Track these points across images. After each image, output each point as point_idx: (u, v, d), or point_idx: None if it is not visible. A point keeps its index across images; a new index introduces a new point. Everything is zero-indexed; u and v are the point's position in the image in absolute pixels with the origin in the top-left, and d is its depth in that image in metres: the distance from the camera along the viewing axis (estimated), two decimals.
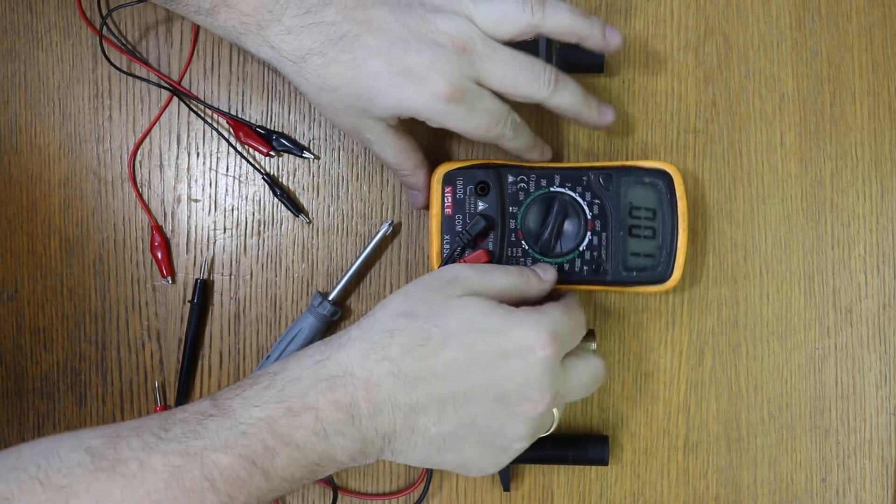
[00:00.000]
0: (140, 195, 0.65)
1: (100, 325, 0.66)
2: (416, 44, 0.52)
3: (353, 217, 0.65)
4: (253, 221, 0.65)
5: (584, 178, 0.58)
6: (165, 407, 0.65)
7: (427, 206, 0.61)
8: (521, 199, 0.58)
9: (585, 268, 0.58)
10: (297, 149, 0.64)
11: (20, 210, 0.66)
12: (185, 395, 0.65)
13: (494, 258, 0.58)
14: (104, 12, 0.64)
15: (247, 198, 0.65)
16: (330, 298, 0.63)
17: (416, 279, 0.53)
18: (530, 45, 0.60)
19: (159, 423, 0.47)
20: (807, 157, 0.63)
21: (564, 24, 0.55)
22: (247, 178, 0.65)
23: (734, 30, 0.64)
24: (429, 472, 0.63)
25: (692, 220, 0.63)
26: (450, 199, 0.58)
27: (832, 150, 0.63)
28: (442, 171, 0.59)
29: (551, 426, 0.54)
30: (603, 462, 0.62)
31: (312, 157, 0.65)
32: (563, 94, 0.56)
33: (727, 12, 0.64)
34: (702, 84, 0.64)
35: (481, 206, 0.58)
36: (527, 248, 0.58)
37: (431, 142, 0.63)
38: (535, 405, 0.50)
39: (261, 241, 0.65)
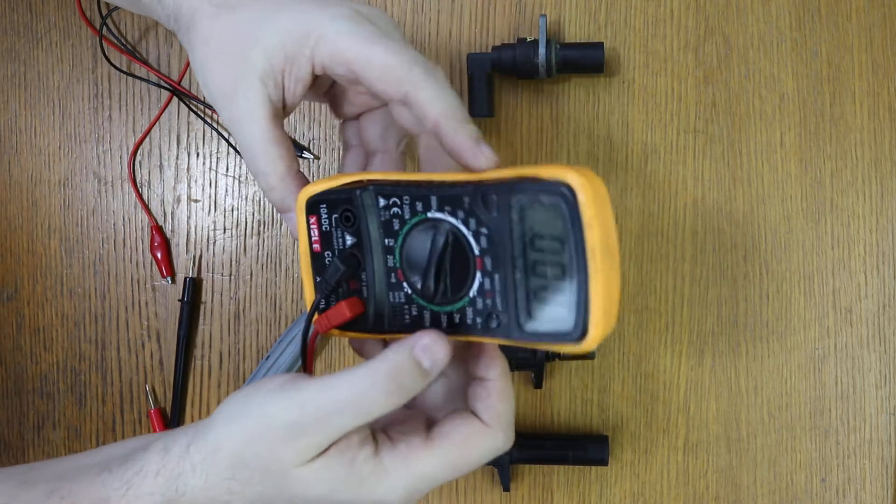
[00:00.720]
0: (140, 195, 0.65)
1: (100, 325, 0.66)
2: None
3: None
4: (253, 221, 0.65)
5: (466, 200, 0.42)
6: (160, 410, 0.65)
7: None
8: (395, 228, 0.44)
9: (479, 319, 0.43)
10: (297, 149, 0.64)
11: (20, 210, 0.66)
12: (179, 395, 0.65)
13: (371, 307, 0.45)
14: (104, 12, 0.64)
15: (247, 198, 0.65)
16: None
17: (228, 419, 0.43)
18: (529, 46, 0.60)
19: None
20: (807, 158, 0.63)
21: None
22: (247, 178, 0.65)
23: (734, 30, 0.64)
24: None
25: (692, 221, 0.63)
26: (316, 233, 0.46)
27: (832, 151, 0.63)
28: (303, 196, 0.46)
29: None
30: (603, 462, 0.62)
31: (312, 157, 0.65)
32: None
33: (727, 12, 0.64)
34: (702, 84, 0.64)
35: (350, 239, 0.45)
36: (410, 292, 0.44)
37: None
38: None
39: (261, 241, 0.65)
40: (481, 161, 0.42)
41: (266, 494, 0.42)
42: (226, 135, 0.65)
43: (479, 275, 0.42)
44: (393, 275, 0.44)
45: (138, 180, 0.66)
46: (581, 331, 0.40)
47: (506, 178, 0.41)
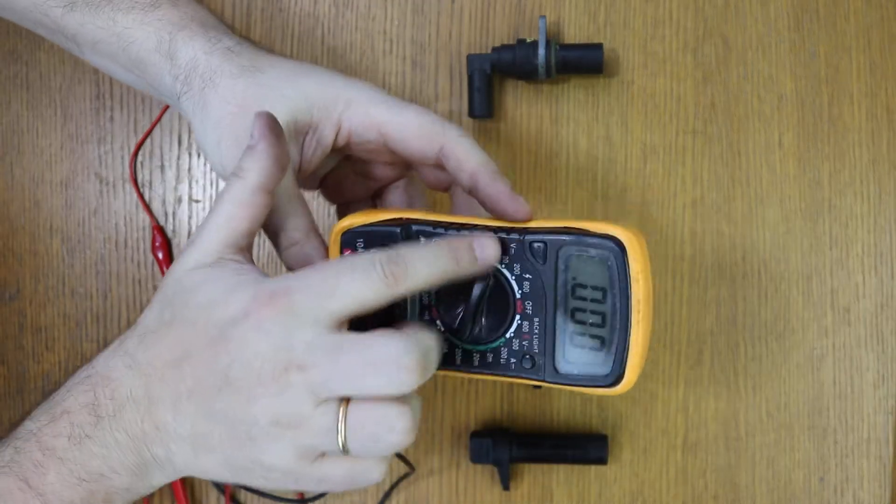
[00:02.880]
0: (141, 195, 0.66)
1: (101, 325, 0.66)
2: None
3: None
4: None
5: (512, 247, 0.44)
6: None
7: None
8: None
9: (513, 360, 0.45)
10: None
11: (22, 210, 0.66)
12: None
13: None
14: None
15: None
16: None
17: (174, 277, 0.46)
18: (528, 47, 0.60)
19: None
20: (805, 158, 0.64)
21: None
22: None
23: (733, 31, 0.64)
24: None
25: (691, 222, 0.64)
26: None
27: (830, 151, 0.63)
28: (338, 229, 0.47)
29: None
30: (602, 461, 0.62)
31: None
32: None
33: (726, 13, 0.64)
34: (700, 85, 0.64)
35: None
36: (443, 329, 0.46)
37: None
38: (259, 388, 0.42)
39: (261, 241, 0.65)
40: (519, 210, 0.46)
41: (159, 318, 0.44)
42: None
43: (518, 317, 0.45)
44: (427, 312, 0.46)
45: (140, 181, 0.66)
46: (617, 376, 0.44)
47: (552, 229, 0.44)
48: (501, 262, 0.44)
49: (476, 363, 0.46)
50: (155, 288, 0.66)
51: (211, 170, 0.66)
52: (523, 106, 0.64)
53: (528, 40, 0.61)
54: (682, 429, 0.64)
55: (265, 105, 0.47)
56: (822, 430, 0.63)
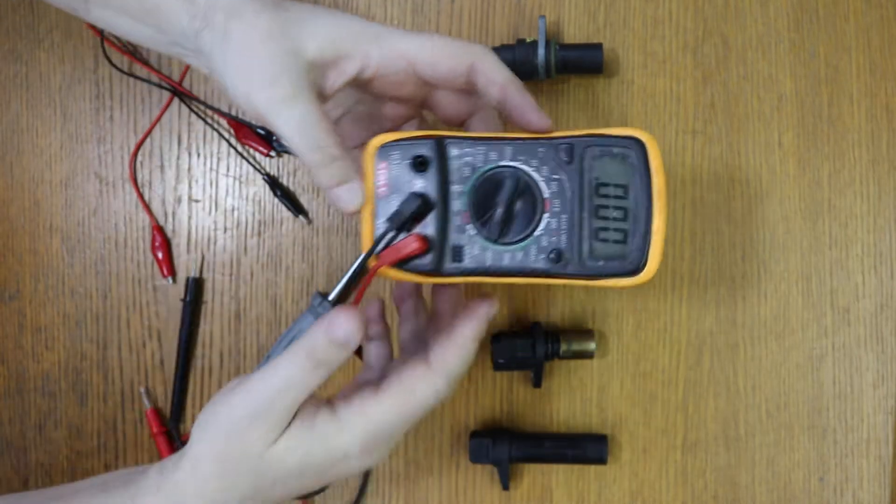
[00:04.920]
0: (141, 195, 0.66)
1: (101, 325, 0.66)
2: None
3: (353, 217, 0.65)
4: (253, 221, 0.66)
5: (541, 150, 0.48)
6: (156, 410, 0.65)
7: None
8: (466, 175, 0.49)
9: (542, 257, 0.48)
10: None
11: (22, 210, 0.66)
12: (179, 394, 0.65)
13: (435, 244, 0.49)
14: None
15: (247, 198, 0.66)
16: (330, 298, 0.63)
17: (201, 429, 0.48)
18: (528, 47, 0.60)
19: None
20: (805, 158, 0.64)
21: None
22: (247, 178, 0.66)
23: (732, 31, 0.64)
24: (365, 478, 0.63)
25: (691, 221, 0.64)
26: (384, 177, 0.49)
27: (830, 151, 0.63)
28: (376, 143, 0.49)
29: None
30: (602, 461, 0.62)
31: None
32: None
33: (725, 13, 0.64)
34: (700, 85, 0.64)
35: (419, 184, 0.49)
36: (474, 233, 0.49)
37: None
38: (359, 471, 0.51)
39: (261, 241, 0.65)
40: (542, 120, 0.50)
41: (255, 485, 0.47)
42: (226, 135, 0.65)
43: (546, 216, 0.48)
44: (458, 217, 0.49)
45: (139, 180, 0.66)
46: (641, 264, 0.47)
47: (578, 135, 0.48)
48: (530, 166, 0.48)
49: (507, 262, 0.49)
50: (154, 288, 0.66)
51: (211, 169, 0.66)
52: None
53: (528, 40, 0.61)
54: (682, 429, 0.64)
55: (291, 35, 0.47)
56: (821, 430, 0.63)
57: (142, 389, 0.65)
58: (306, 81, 0.47)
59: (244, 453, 0.47)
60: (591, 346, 0.62)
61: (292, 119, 0.47)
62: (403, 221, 0.48)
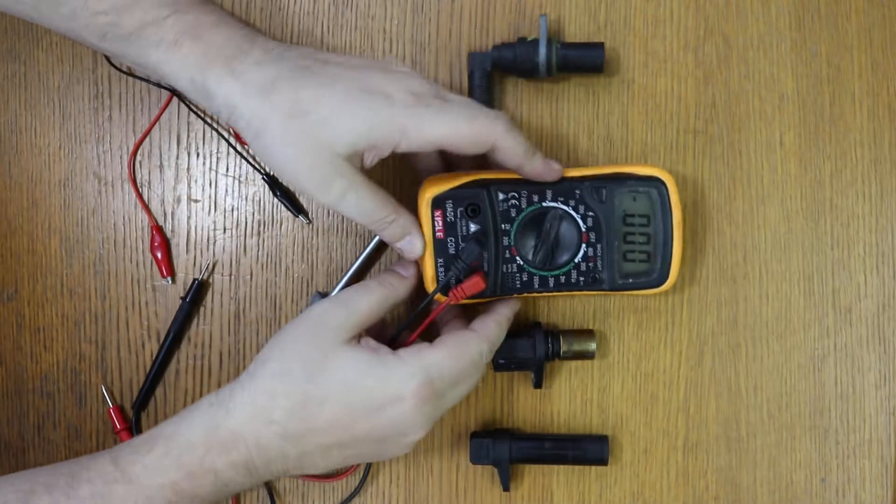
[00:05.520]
0: (140, 195, 0.65)
1: (100, 325, 0.66)
2: (378, 72, 0.54)
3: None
4: (253, 221, 0.65)
5: (577, 192, 0.57)
6: (119, 408, 0.65)
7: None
8: (513, 216, 0.57)
9: (581, 278, 0.58)
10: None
11: (20, 210, 0.66)
12: (148, 392, 0.65)
13: (490, 279, 0.57)
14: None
15: (247, 198, 0.65)
16: None
17: (288, 325, 0.55)
18: (529, 45, 0.60)
19: (68, 480, 0.52)
20: (806, 158, 0.63)
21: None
22: (247, 178, 0.65)
23: (734, 30, 0.64)
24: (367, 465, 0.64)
25: (691, 221, 0.64)
26: (440, 223, 0.57)
27: (832, 151, 0.63)
28: (429, 195, 0.56)
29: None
30: (602, 462, 0.62)
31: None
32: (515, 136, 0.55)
33: (727, 13, 0.64)
34: (701, 84, 0.64)
35: (473, 227, 0.57)
36: (522, 263, 0.58)
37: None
38: (412, 436, 0.54)
39: (261, 241, 0.65)
40: (554, 173, 0.57)
41: (306, 395, 0.52)
42: (226, 135, 0.65)
43: (584, 245, 0.58)
44: (507, 251, 0.57)
45: (138, 180, 0.66)
46: (664, 277, 0.58)
47: (606, 175, 0.58)
48: (568, 205, 0.57)
49: (552, 285, 0.58)
50: (154, 288, 0.65)
51: (210, 169, 0.65)
52: (524, 104, 0.64)
53: (529, 38, 0.61)
54: (683, 429, 0.64)
55: (322, 139, 0.51)
56: (823, 431, 0.63)
57: (103, 387, 0.65)
58: (348, 169, 0.52)
59: (311, 352, 0.53)
60: (592, 346, 0.62)
61: (351, 208, 0.53)
62: (468, 266, 0.56)
